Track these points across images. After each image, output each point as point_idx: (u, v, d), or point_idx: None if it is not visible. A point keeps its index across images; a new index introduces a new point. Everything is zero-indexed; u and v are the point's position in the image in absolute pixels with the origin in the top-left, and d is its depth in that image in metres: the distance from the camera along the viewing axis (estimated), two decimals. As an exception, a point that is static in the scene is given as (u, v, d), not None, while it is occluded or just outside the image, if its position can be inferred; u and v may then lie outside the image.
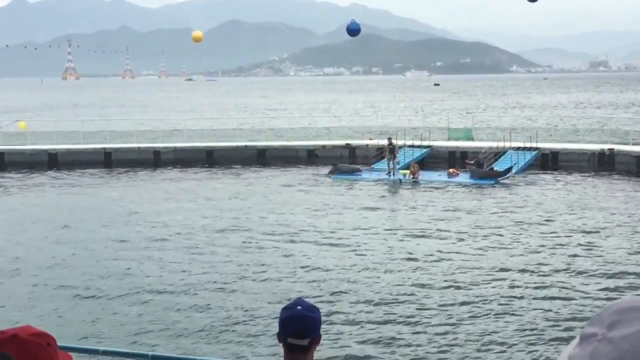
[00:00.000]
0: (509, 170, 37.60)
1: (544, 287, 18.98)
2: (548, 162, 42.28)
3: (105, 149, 46.44)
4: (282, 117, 75.62)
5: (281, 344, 4.10)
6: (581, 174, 39.03)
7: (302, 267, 21.24)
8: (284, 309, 4.15)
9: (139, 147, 46.84)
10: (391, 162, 39.39)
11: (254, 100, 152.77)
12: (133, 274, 20.91)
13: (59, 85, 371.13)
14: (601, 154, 41.24)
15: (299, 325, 4.05)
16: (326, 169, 40.82)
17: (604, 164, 40.81)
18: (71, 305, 18.32)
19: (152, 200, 33.34)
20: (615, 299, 15.43)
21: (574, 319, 16.53)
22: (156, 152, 46.25)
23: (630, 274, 20.26)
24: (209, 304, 18.06)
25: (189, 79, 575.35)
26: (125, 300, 18.53)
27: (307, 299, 4.18)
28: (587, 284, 19.26)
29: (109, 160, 45.49)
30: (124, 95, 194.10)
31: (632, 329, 1.03)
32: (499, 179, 36.97)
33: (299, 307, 4.10)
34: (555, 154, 42.68)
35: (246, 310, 17.52)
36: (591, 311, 16.96)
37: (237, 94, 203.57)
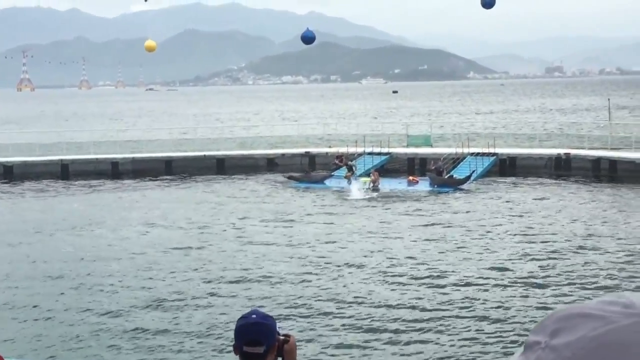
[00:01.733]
0: (468, 178, 37.79)
1: (504, 293, 19.08)
2: (506, 167, 42.63)
3: (62, 160, 45.85)
4: (241, 126, 75.37)
5: (238, 356, 4.09)
6: (539, 179, 39.43)
7: (262, 278, 21.12)
8: (239, 319, 4.17)
9: (96, 158, 46.36)
10: (349, 178, 39.24)
11: (220, 109, 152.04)
12: (89, 289, 20.54)
13: (14, 97, 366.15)
14: (558, 158, 41.71)
15: (255, 333, 4.05)
16: (286, 178, 40.82)
17: (560, 168, 41.28)
18: (22, 322, 17.95)
19: (110, 212, 32.94)
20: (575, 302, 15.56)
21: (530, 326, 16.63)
22: (114, 163, 45.80)
23: (584, 277, 20.44)
24: (170, 319, 17.84)
25: (150, 89, 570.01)
26: (81, 316, 18.22)
27: (263, 309, 4.24)
28: (544, 288, 19.39)
29: (65, 172, 44.90)
30: (87, 106, 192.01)
31: (574, 336, 1.03)
32: (459, 186, 37.18)
33: (254, 316, 4.11)
34: (513, 159, 43.05)
35: (208, 324, 17.36)
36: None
37: (201, 103, 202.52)
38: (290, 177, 40.58)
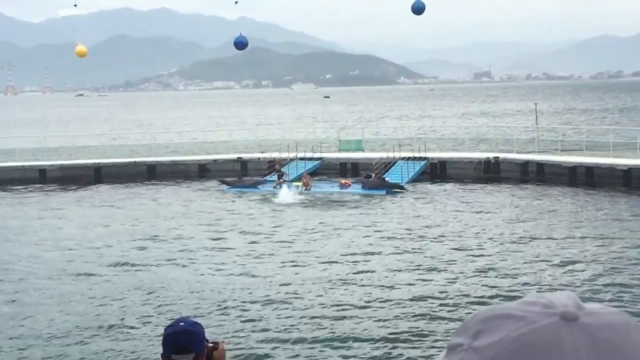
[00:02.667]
0: (400, 187, 37.76)
1: (439, 294, 19.26)
2: (437, 171, 43.14)
3: (-14, 168, 44.72)
4: (172, 131, 74.69)
5: None
6: (468, 182, 39.99)
7: (193, 286, 20.91)
8: (167, 327, 4.12)
9: (23, 165, 45.35)
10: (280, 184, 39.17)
11: (159, 114, 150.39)
12: (14, 301, 20.05)
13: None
14: (487, 162, 42.35)
15: (183, 341, 4.00)
16: (218, 183, 40.54)
17: (490, 171, 41.94)
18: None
19: (37, 222, 32.20)
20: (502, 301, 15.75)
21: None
22: (42, 170, 44.85)
23: (513, 277, 20.77)
24: (97, 334, 17.52)
25: (80, 94, 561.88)
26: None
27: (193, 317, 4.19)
28: (470, 287, 19.64)
29: (-10, 180, 43.77)
30: (15, 112, 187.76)
31: (496, 336, 1.05)
32: (391, 189, 37.33)
33: (182, 324, 4.08)
34: (443, 163, 43.59)
35: (139, 336, 17.10)
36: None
37: (134, 109, 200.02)
38: (222, 182, 40.32)
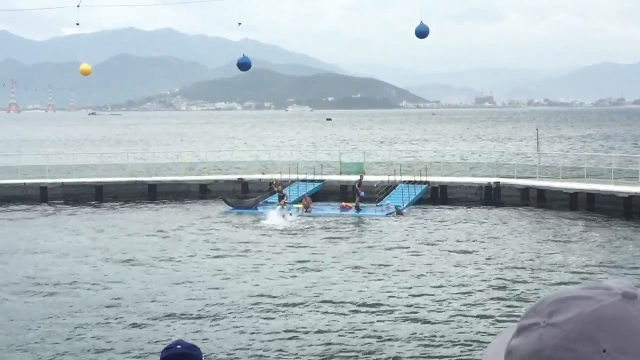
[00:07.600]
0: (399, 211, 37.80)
1: (440, 315, 19.20)
2: (438, 195, 43.10)
3: (-12, 185, 44.72)
4: (173, 151, 74.76)
5: None
6: (469, 207, 39.94)
7: (190, 310, 20.85)
8: (164, 350, 4.09)
9: (24, 183, 45.34)
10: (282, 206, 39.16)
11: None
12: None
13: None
14: (488, 187, 42.33)
15: None
16: (220, 204, 40.53)
17: (491, 196, 41.90)
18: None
19: (35, 240, 32.08)
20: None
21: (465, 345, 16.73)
22: (43, 188, 44.84)
23: (510, 300, 20.70)
24: (92, 354, 17.46)
25: (93, 113, 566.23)
26: None
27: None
28: (472, 311, 19.58)
29: (-8, 197, 43.74)
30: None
31: (571, 313, 1.24)
32: (394, 212, 37.30)
33: (179, 347, 4.05)
34: (444, 187, 43.57)
35: (134, 356, 17.04)
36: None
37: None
38: (225, 201, 40.20)
